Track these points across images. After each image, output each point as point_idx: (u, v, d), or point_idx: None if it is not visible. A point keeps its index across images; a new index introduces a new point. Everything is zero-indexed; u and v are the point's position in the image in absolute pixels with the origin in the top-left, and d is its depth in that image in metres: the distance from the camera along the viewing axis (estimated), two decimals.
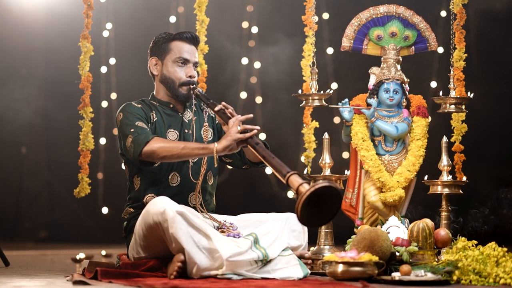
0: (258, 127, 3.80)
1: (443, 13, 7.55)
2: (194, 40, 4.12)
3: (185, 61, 4.07)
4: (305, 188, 3.37)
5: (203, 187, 4.05)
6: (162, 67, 4.10)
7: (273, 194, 8.00)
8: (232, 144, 3.77)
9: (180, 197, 3.92)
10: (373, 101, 4.51)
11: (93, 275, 3.69)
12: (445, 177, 4.39)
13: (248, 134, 3.75)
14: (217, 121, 4.17)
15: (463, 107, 4.54)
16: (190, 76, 4.06)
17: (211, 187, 4.11)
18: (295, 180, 3.46)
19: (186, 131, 4.08)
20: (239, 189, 7.56)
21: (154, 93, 4.16)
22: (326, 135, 4.43)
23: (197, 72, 4.28)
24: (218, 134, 4.18)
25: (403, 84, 4.54)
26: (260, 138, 3.80)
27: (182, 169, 4.00)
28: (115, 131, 8.19)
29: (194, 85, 4.06)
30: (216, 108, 3.91)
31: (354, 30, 4.62)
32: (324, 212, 3.44)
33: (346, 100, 4.55)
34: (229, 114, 3.88)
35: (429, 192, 4.44)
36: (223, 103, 3.92)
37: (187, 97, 4.07)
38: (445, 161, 4.41)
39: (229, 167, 4.40)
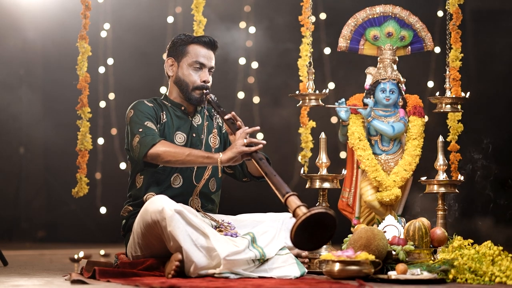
0: (264, 142, 3.83)
1: (440, 13, 7.58)
2: (212, 45, 4.13)
3: (201, 66, 4.08)
4: (302, 211, 3.40)
5: (205, 193, 4.06)
6: (177, 68, 4.10)
7: (271, 195, 8.00)
8: (237, 156, 3.79)
9: (181, 198, 3.92)
10: (369, 101, 4.53)
11: (91, 275, 3.70)
12: (441, 176, 4.41)
13: (253, 148, 3.78)
14: (224, 130, 4.19)
15: (459, 106, 4.57)
16: (204, 81, 4.07)
17: (214, 195, 4.12)
18: (293, 201, 3.48)
19: (194, 135, 4.08)
20: (237, 189, 7.57)
21: (167, 93, 4.16)
22: (323, 135, 4.45)
23: None
24: (224, 143, 4.19)
25: (400, 84, 4.56)
26: (262, 142, 3.81)
27: (186, 171, 4.01)
28: (113, 131, 8.20)
29: (208, 90, 4.07)
30: (226, 117, 3.91)
31: (350, 30, 4.64)
32: (318, 237, 3.46)
33: (343, 100, 4.57)
34: (237, 125, 3.88)
35: (425, 192, 4.47)
36: (233, 113, 3.92)
37: (200, 101, 4.08)
38: (441, 161, 4.43)
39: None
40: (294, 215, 3.43)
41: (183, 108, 4.11)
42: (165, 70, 4.16)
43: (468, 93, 4.57)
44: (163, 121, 4.04)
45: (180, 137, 4.06)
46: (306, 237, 3.42)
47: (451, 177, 4.65)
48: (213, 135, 4.13)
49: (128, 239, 3.92)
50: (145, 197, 3.96)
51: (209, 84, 4.08)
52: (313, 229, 3.40)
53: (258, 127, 3.88)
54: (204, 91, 4.05)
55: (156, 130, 3.95)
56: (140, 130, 3.92)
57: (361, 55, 4.68)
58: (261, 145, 3.80)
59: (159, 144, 3.86)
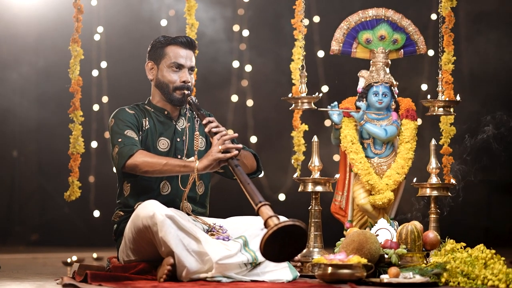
0: (240, 146, 3.82)
1: (433, 16, 7.59)
2: (190, 45, 4.09)
3: (179, 66, 4.05)
4: (273, 222, 3.38)
5: (193, 197, 4.05)
6: (157, 71, 4.08)
7: (264, 197, 7.98)
8: (212, 163, 3.77)
9: (171, 205, 3.90)
10: (362, 104, 4.53)
11: (83, 278, 3.70)
12: (434, 180, 4.41)
13: (228, 155, 3.76)
14: None
15: (452, 110, 4.57)
16: (184, 81, 4.05)
17: (201, 197, 4.10)
18: (265, 212, 3.45)
19: (178, 139, 4.07)
20: (230, 191, 7.57)
21: (151, 97, 4.14)
22: (315, 138, 4.45)
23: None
24: (211, 143, 4.16)
25: (392, 87, 4.56)
26: (238, 146, 3.80)
27: (173, 178, 4.00)
28: (107, 135, 8.20)
29: (189, 90, 4.05)
30: (204, 121, 3.87)
31: (343, 34, 4.64)
32: (288, 249, 3.43)
33: (336, 103, 4.57)
34: (214, 129, 3.85)
35: (417, 195, 4.47)
36: (212, 118, 3.90)
37: (182, 102, 4.05)
38: (433, 164, 4.44)
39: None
40: (265, 225, 3.42)
41: (166, 112, 4.09)
42: (146, 74, 4.14)
43: (460, 97, 4.57)
44: (146, 127, 4.02)
45: (164, 143, 4.04)
46: (277, 248, 3.37)
47: (443, 181, 4.66)
48: (195, 137, 4.09)
49: (120, 243, 3.91)
50: (135, 205, 3.93)
51: (190, 84, 4.06)
52: (283, 240, 3.36)
53: (236, 134, 3.86)
54: (186, 91, 4.04)
55: (136, 138, 3.93)
56: (119, 140, 3.90)
57: (353, 58, 4.68)
58: (236, 151, 3.78)
59: (136, 154, 3.84)
